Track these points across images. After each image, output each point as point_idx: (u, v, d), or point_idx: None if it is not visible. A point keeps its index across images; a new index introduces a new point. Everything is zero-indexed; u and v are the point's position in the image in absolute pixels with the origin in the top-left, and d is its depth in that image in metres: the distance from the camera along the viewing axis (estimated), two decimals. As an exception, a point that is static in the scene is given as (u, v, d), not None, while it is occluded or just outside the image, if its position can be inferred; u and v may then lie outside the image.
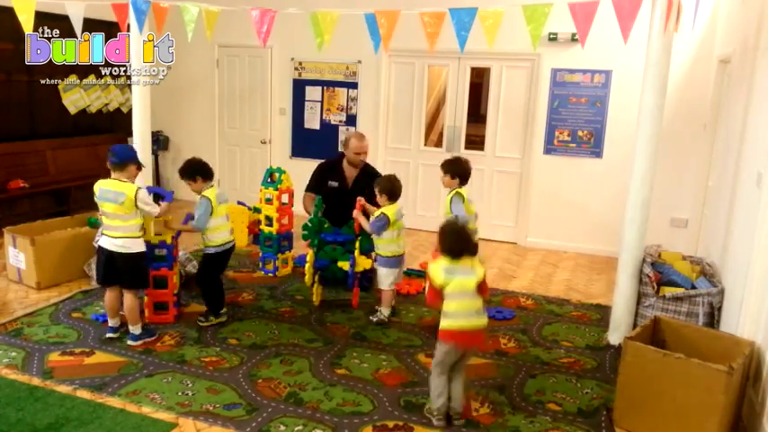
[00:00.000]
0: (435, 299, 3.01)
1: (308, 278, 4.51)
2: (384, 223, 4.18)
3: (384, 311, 4.31)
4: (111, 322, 3.94)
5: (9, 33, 5.84)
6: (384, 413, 3.16)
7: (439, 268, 2.98)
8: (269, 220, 5.12)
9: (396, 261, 4.30)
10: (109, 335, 3.92)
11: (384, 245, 4.26)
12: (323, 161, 5.26)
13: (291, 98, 7.38)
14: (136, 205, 3.67)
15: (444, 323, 2.98)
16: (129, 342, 3.83)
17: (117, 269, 3.77)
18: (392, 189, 4.26)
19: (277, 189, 5.10)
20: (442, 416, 3.07)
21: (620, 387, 3.18)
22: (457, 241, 3.01)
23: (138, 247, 3.78)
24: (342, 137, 7.13)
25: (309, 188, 5.10)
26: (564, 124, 6.28)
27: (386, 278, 4.28)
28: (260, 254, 5.31)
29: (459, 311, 2.96)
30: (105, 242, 3.76)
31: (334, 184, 4.99)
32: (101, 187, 3.73)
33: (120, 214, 3.68)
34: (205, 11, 4.51)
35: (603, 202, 6.12)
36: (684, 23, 4.02)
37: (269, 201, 5.10)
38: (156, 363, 3.60)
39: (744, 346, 3.07)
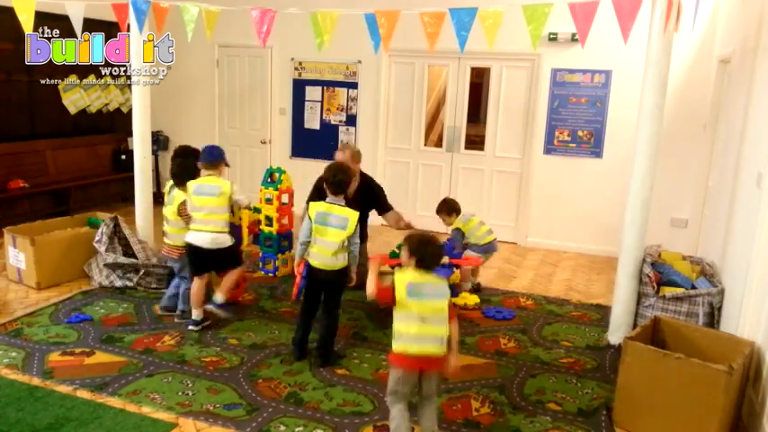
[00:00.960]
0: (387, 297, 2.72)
1: None
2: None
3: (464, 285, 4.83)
4: (195, 314, 4.09)
5: (9, 33, 5.84)
6: (385, 413, 3.15)
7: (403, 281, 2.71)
8: (269, 220, 5.12)
9: (485, 248, 4.88)
10: (191, 328, 4.07)
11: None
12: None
13: (291, 98, 7.38)
14: (230, 197, 4.02)
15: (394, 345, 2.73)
16: (209, 307, 4.08)
17: (212, 260, 4.06)
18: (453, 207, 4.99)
19: (277, 189, 5.10)
20: None
21: (619, 387, 3.18)
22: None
23: (230, 240, 4.08)
24: (342, 137, 7.15)
25: (312, 199, 4.95)
26: (564, 124, 6.28)
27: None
28: (260, 254, 5.32)
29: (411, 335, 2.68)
30: (197, 239, 3.96)
31: None
32: (196, 184, 4.02)
33: (215, 207, 3.97)
34: (205, 11, 4.51)
35: (603, 203, 6.13)
36: (684, 23, 4.02)
37: (269, 201, 5.10)
38: (156, 363, 3.60)
39: (744, 346, 3.07)
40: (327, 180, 3.66)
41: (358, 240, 3.66)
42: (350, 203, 4.44)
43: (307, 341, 3.74)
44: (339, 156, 4.72)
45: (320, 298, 3.69)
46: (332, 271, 3.57)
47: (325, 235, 3.53)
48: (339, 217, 3.54)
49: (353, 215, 3.56)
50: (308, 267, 3.65)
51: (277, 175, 5.20)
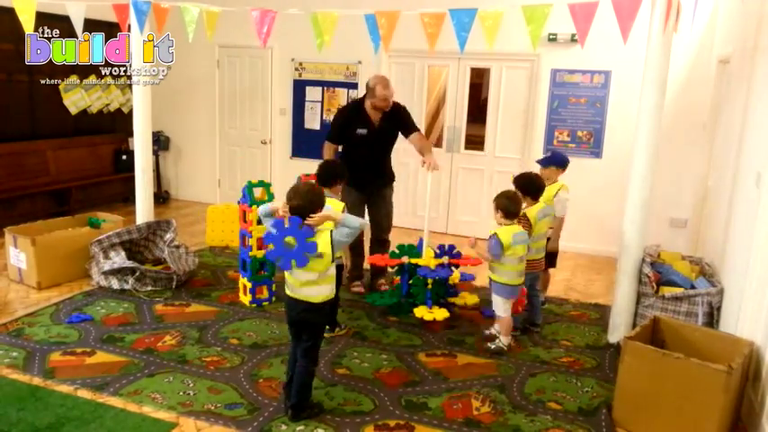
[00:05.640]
0: None
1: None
2: (495, 244, 3.73)
3: (503, 340, 3.93)
4: None
5: (9, 34, 5.85)
6: (385, 412, 3.17)
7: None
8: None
9: (508, 291, 3.84)
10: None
11: (498, 270, 3.84)
12: (344, 106, 4.81)
13: (292, 98, 7.39)
14: None
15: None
16: None
17: None
18: (508, 206, 3.76)
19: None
20: None
21: (619, 387, 3.19)
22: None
23: None
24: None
25: (332, 138, 4.62)
26: (563, 124, 6.29)
27: (498, 306, 3.91)
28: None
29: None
30: None
31: (363, 131, 4.54)
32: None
33: None
34: (205, 11, 4.52)
35: (603, 203, 6.13)
36: (684, 23, 4.03)
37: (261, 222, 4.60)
38: (157, 363, 3.61)
39: (743, 345, 3.08)
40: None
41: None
42: (377, 133, 4.54)
43: None
44: (380, 92, 4.44)
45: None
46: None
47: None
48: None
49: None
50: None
51: (263, 189, 4.62)
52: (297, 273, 2.91)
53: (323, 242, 2.85)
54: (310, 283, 2.93)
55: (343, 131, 4.61)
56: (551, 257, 4.49)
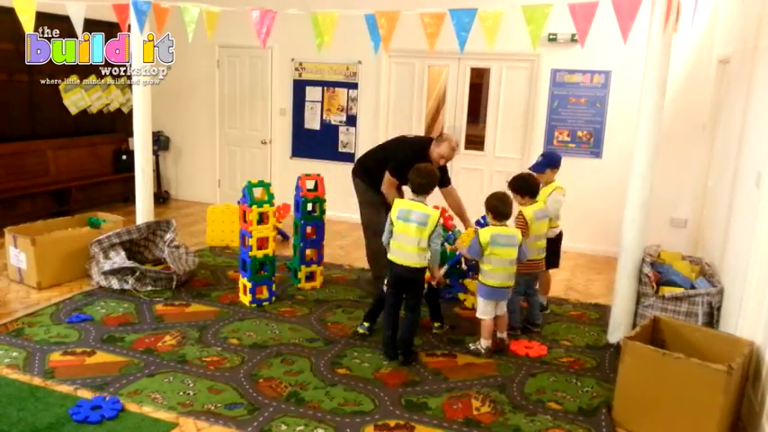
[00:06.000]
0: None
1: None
2: (473, 243, 3.78)
3: (482, 343, 3.90)
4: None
5: (10, 34, 5.85)
6: (385, 412, 3.17)
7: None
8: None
9: (488, 292, 3.81)
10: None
11: (482, 269, 3.85)
12: (412, 146, 4.75)
13: (292, 98, 7.39)
14: None
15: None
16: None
17: None
18: (497, 207, 3.81)
19: (272, 204, 4.55)
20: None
21: (619, 387, 3.19)
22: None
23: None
24: (342, 137, 7.16)
25: (397, 176, 4.62)
26: (563, 124, 6.29)
27: (478, 307, 3.92)
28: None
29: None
30: None
31: None
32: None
33: None
34: (205, 11, 4.52)
35: (603, 203, 6.13)
36: (683, 23, 4.03)
37: (261, 222, 4.51)
38: (157, 362, 3.61)
39: (743, 345, 3.08)
40: (413, 181, 3.78)
41: (439, 240, 3.65)
42: None
43: (396, 338, 3.80)
44: (447, 151, 4.55)
45: (402, 295, 3.78)
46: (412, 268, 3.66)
47: (407, 231, 3.61)
48: (420, 214, 3.61)
49: (434, 213, 3.63)
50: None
51: (264, 190, 4.55)
52: (402, 238, 3.61)
53: (432, 220, 3.57)
54: (412, 250, 3.59)
55: (405, 172, 4.41)
56: (552, 257, 4.49)
